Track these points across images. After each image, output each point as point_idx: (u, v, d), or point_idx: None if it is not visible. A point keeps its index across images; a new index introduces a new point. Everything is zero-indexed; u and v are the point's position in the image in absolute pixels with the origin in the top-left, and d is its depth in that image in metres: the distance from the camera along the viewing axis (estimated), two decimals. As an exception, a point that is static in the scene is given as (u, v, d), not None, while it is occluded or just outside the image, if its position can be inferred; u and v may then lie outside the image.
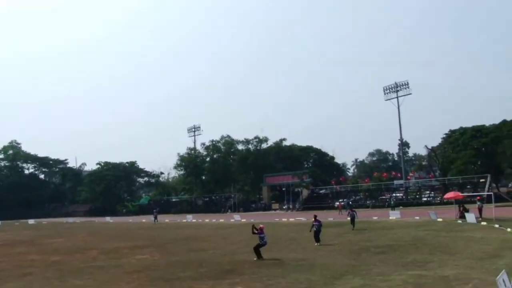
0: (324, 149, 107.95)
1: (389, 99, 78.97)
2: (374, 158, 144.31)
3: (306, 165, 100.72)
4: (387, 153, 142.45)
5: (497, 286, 8.48)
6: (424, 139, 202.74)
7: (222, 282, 13.27)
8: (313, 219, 22.84)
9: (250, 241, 24.60)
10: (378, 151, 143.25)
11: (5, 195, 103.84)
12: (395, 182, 75.97)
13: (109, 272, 16.13)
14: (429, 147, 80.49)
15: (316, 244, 21.52)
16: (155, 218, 55.68)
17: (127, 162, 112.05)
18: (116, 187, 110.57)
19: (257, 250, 18.01)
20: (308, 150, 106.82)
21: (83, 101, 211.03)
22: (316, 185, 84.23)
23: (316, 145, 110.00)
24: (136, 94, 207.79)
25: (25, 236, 40.31)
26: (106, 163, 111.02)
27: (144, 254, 21.25)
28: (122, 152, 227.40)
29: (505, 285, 8.48)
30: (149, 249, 23.94)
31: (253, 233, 18.47)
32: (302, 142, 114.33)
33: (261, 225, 18.89)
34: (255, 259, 17.70)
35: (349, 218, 31.86)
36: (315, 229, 22.09)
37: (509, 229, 23.23)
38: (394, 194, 71.12)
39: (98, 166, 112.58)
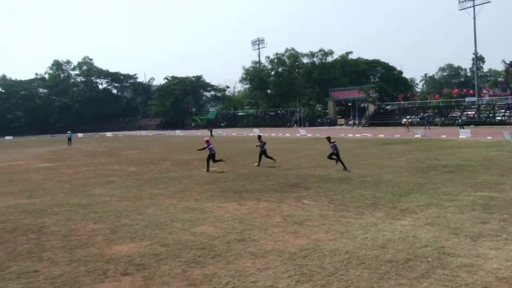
0: (391, 63, 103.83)
1: (463, 8, 73.05)
2: (445, 74, 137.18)
3: (372, 80, 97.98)
4: (459, 68, 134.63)
5: None
6: (501, 53, 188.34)
7: (289, 195, 13.51)
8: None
9: (316, 155, 25.12)
10: (450, 66, 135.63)
11: (83, 109, 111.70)
12: (467, 99, 72.85)
13: (182, 183, 17.04)
14: (507, 62, 75.04)
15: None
16: (211, 133, 55.97)
17: (193, 77, 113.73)
18: (184, 101, 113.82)
19: (208, 160, 20.65)
20: (375, 64, 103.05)
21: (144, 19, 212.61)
22: (383, 100, 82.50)
23: (383, 59, 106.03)
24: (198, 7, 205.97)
25: (104, 148, 43.52)
26: (173, 78, 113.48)
27: (213, 167, 22.17)
28: (186, 67, 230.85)
29: None
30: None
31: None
32: (368, 55, 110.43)
33: (206, 138, 21.51)
34: (205, 170, 20.35)
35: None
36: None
37: None
38: (465, 112, 68.36)
39: (166, 80, 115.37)
